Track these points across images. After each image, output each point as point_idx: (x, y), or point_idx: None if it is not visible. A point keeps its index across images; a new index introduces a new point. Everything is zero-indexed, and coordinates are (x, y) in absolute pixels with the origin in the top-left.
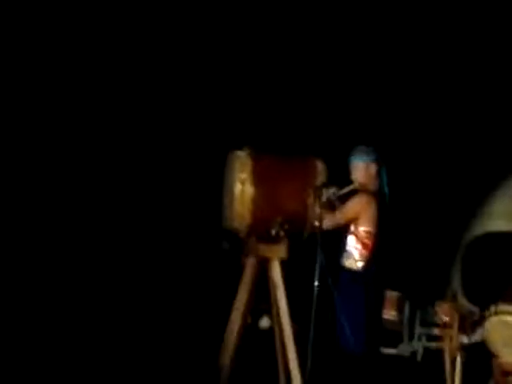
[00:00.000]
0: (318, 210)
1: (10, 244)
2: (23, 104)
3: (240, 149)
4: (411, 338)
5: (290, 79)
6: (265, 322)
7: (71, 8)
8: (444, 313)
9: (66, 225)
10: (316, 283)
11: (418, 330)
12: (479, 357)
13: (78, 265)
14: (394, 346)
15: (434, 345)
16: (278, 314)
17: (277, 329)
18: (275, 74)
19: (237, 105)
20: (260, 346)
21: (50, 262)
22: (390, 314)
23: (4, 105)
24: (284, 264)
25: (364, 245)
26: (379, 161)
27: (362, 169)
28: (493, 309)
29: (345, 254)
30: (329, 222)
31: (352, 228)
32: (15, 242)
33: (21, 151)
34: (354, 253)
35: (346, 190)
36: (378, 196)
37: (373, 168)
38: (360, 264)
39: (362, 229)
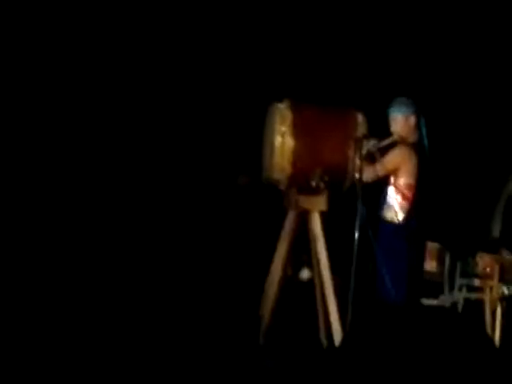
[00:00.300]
0: (358, 161)
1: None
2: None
3: (280, 101)
4: (452, 289)
5: (330, 31)
6: (305, 274)
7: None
8: (484, 264)
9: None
10: (356, 235)
11: (458, 281)
12: None
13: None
14: (435, 297)
15: (474, 296)
16: (319, 266)
17: (317, 280)
18: (316, 25)
19: (277, 56)
20: (300, 298)
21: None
22: (430, 265)
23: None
24: (324, 216)
25: (404, 196)
26: (418, 112)
27: (401, 121)
28: None
29: (385, 206)
30: (369, 174)
31: (392, 180)
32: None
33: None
34: (395, 205)
35: (385, 142)
36: (417, 148)
37: (412, 120)
38: (400, 216)
39: (402, 181)
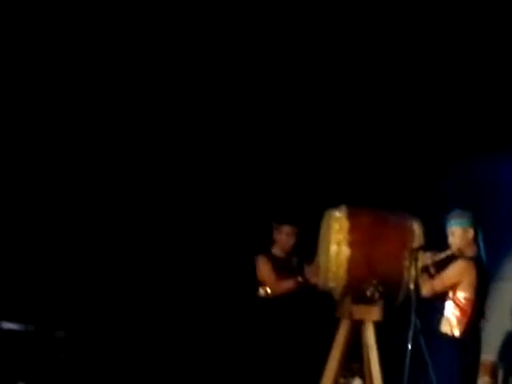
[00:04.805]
0: (413, 273)
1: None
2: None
3: (336, 207)
4: None
5: (386, 138)
6: (356, 383)
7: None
8: None
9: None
10: (409, 347)
11: None
12: None
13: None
14: None
15: None
16: (370, 376)
17: None
18: (372, 131)
19: (332, 161)
20: None
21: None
22: (484, 380)
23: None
24: (378, 326)
25: (462, 311)
26: (476, 225)
27: (460, 234)
28: None
29: (442, 320)
30: (426, 288)
31: (450, 294)
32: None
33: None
34: (452, 319)
35: (443, 255)
36: (476, 261)
37: (470, 233)
38: (458, 331)
39: (460, 295)
